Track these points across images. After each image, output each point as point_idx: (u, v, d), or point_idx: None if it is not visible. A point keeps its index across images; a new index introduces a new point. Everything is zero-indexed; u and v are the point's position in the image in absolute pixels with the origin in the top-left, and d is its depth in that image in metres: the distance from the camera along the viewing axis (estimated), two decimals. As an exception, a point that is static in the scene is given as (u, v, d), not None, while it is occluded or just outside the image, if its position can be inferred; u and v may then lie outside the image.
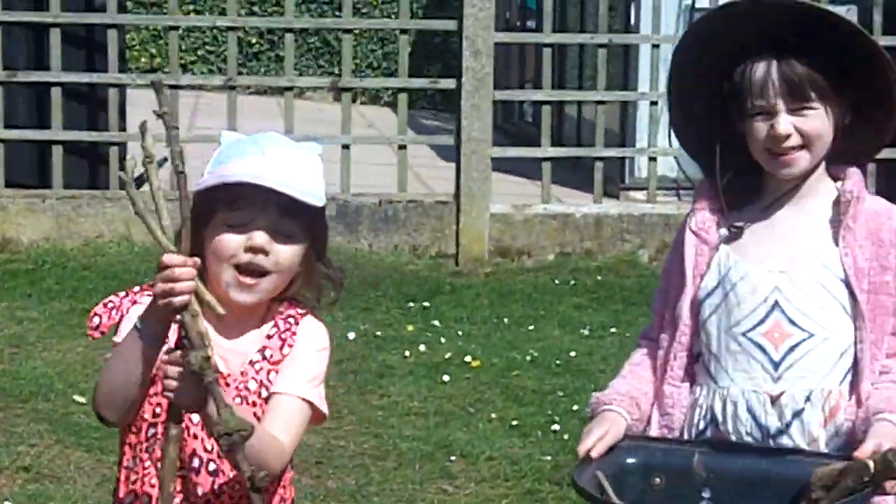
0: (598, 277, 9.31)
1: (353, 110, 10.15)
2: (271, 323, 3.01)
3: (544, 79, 10.09)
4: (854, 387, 3.01)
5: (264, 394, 2.94)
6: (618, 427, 3.03)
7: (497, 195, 9.75)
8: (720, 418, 3.06)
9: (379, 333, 7.92)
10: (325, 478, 5.93)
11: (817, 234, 3.05)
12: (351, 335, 7.81)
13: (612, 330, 8.11)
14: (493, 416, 6.70)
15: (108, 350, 7.47)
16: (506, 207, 9.71)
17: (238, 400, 2.91)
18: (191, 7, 20.03)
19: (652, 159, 10.13)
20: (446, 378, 7.20)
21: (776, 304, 3.01)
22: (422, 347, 7.67)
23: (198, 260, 2.70)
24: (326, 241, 3.06)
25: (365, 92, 17.57)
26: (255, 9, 20.15)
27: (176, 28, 9.87)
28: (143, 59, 20.70)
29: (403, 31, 10.05)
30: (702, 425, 3.10)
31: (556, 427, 6.52)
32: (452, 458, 6.16)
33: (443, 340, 7.82)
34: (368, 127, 13.66)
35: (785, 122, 2.93)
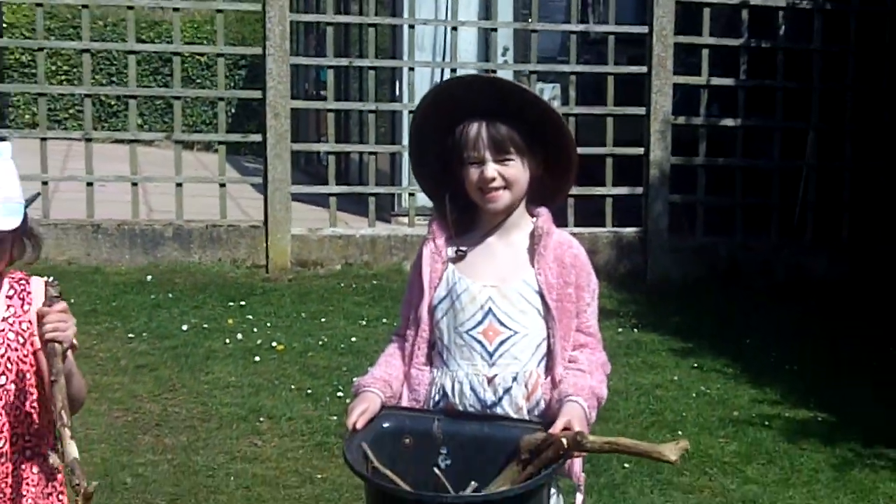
0: (374, 282, 9.25)
1: (192, 156, 10.03)
2: (8, 287, 2.85)
3: (329, 135, 10.08)
4: (549, 370, 3.06)
5: (22, 340, 2.80)
6: (375, 403, 3.03)
7: (297, 220, 9.62)
8: (450, 394, 3.08)
9: (206, 325, 7.73)
10: (162, 437, 5.80)
11: (519, 258, 3.08)
12: (184, 326, 7.65)
13: (384, 321, 8.04)
14: (293, 387, 6.62)
15: None
16: (303, 230, 9.60)
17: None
18: (63, 77, 19.58)
19: (412, 194, 10.13)
20: (257, 359, 7.09)
21: (490, 310, 3.04)
22: (239, 336, 7.52)
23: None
24: (27, 222, 2.85)
25: (199, 142, 17.27)
26: (114, 78, 19.79)
27: (44, 95, 9.53)
28: (26, 116, 20.11)
29: (220, 99, 9.81)
30: (437, 398, 3.13)
31: (340, 394, 6.48)
32: (261, 419, 6.08)
33: (255, 330, 7.68)
34: (203, 169, 13.36)
35: (491, 169, 2.97)
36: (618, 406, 6.41)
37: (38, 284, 2.86)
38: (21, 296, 2.85)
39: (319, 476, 5.34)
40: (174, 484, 5.17)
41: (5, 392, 2.78)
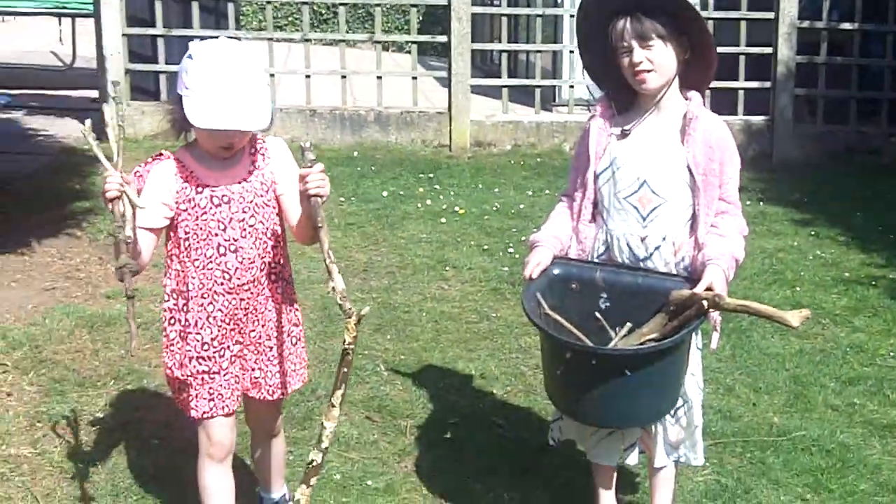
0: (538, 160, 9.21)
1: (387, 56, 9.99)
2: (249, 145, 2.91)
3: (502, 36, 9.99)
4: (693, 232, 3.05)
5: (265, 188, 2.89)
6: (547, 257, 3.10)
7: (474, 109, 9.61)
8: (610, 247, 3.10)
9: (401, 193, 7.82)
10: (368, 279, 5.92)
11: (672, 136, 3.05)
12: (384, 193, 7.74)
13: (546, 192, 8.02)
14: (472, 243, 6.66)
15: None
16: (480, 116, 9.59)
17: (242, 201, 2.87)
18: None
19: (571, 87, 10.01)
20: (443, 220, 7.14)
21: (645, 181, 3.03)
22: (428, 201, 7.58)
23: (128, 177, 2.69)
24: None
25: (394, 44, 17.25)
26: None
27: (270, 2, 9.64)
28: (253, 22, 20.39)
29: (413, 6, 9.79)
30: (600, 251, 3.15)
31: (511, 250, 6.49)
32: (447, 268, 6.14)
33: (441, 197, 7.74)
34: (396, 66, 13.41)
35: (638, 54, 2.96)
36: (745, 266, 6.28)
37: (272, 142, 2.97)
38: (261, 153, 2.93)
39: (494, 315, 5.42)
40: (378, 317, 5.30)
41: (254, 230, 2.90)
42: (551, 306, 3.04)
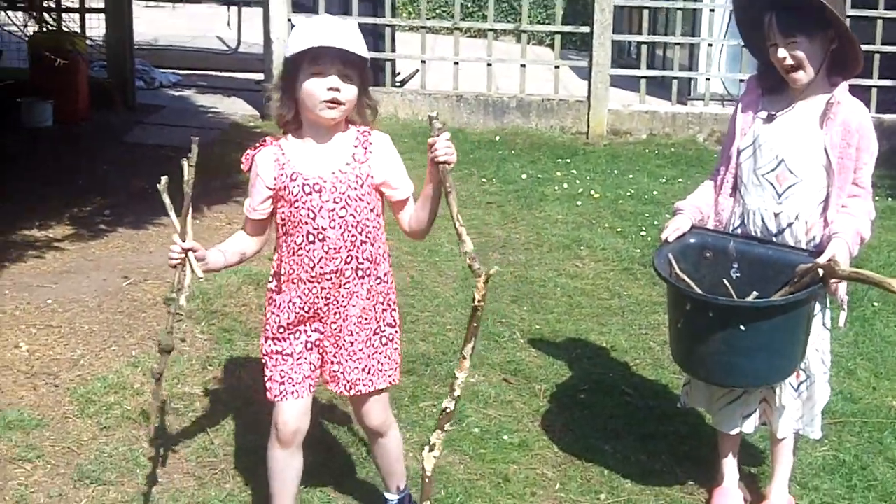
0: (672, 149, 9.14)
1: (529, 49, 10.05)
2: (354, 137, 2.80)
3: (643, 28, 9.92)
4: (825, 212, 3.06)
5: (360, 182, 2.77)
6: (686, 224, 3.18)
7: (613, 99, 9.58)
8: (745, 220, 3.14)
9: (539, 175, 7.88)
10: (507, 255, 6.01)
11: (813, 121, 3.06)
12: (524, 175, 7.82)
13: (679, 180, 7.97)
14: (606, 225, 6.69)
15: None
16: (617, 105, 9.58)
17: (334, 191, 2.76)
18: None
19: (707, 80, 9.91)
20: (579, 203, 7.18)
21: (783, 160, 3.06)
22: (564, 185, 7.63)
23: (192, 244, 2.72)
24: (369, 82, 2.80)
25: (534, 36, 17.26)
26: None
27: (426, -8, 9.84)
28: (404, 14, 20.64)
29: (561, -2, 9.81)
30: (736, 223, 3.20)
31: (643, 233, 6.50)
32: (581, 247, 6.19)
33: (577, 181, 7.77)
34: (535, 57, 13.44)
35: (781, 51, 3.00)
36: (871, 258, 6.20)
37: (378, 136, 2.84)
38: (364, 145, 2.80)
39: (625, 293, 5.46)
40: (515, 289, 5.41)
41: (344, 221, 2.78)
42: (682, 270, 3.11)
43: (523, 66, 9.57)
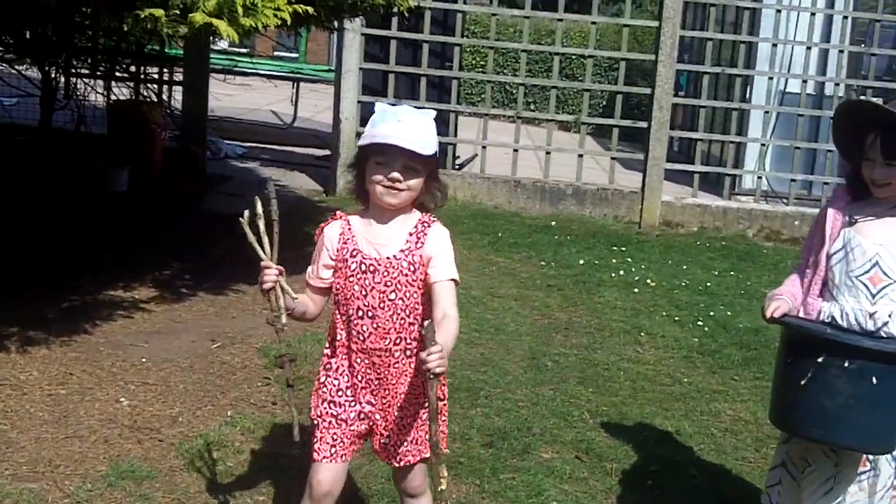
0: (723, 243, 9.30)
1: (572, 136, 10.29)
2: (413, 225, 2.91)
3: (699, 125, 10.16)
4: None
5: (413, 268, 2.86)
6: (786, 306, 3.26)
7: (666, 192, 9.80)
8: (839, 319, 3.25)
9: (596, 262, 8.04)
10: (570, 337, 6.15)
11: None
12: (581, 261, 8.00)
13: (731, 273, 8.13)
14: (664, 313, 6.83)
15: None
16: (671, 198, 9.79)
17: (386, 274, 2.87)
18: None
19: (759, 178, 10.13)
20: (636, 290, 7.33)
21: (877, 262, 3.19)
22: (621, 272, 7.78)
23: (281, 268, 2.86)
24: (437, 169, 2.96)
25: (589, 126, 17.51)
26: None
27: (490, 82, 10.16)
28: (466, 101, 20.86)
29: (619, 93, 10.13)
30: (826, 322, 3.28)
31: (700, 322, 6.65)
32: (641, 334, 6.34)
33: (633, 269, 7.92)
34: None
35: (878, 172, 3.15)
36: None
37: (436, 229, 2.93)
38: (419, 235, 2.90)
39: (686, 380, 5.59)
40: (580, 371, 5.55)
41: (393, 304, 2.89)
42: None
43: (581, 155, 9.83)
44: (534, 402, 5.02)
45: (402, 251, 2.89)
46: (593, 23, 9.86)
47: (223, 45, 15.77)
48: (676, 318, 6.73)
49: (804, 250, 3.44)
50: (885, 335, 3.16)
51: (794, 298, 3.32)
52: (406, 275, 2.88)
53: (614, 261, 8.16)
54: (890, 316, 3.18)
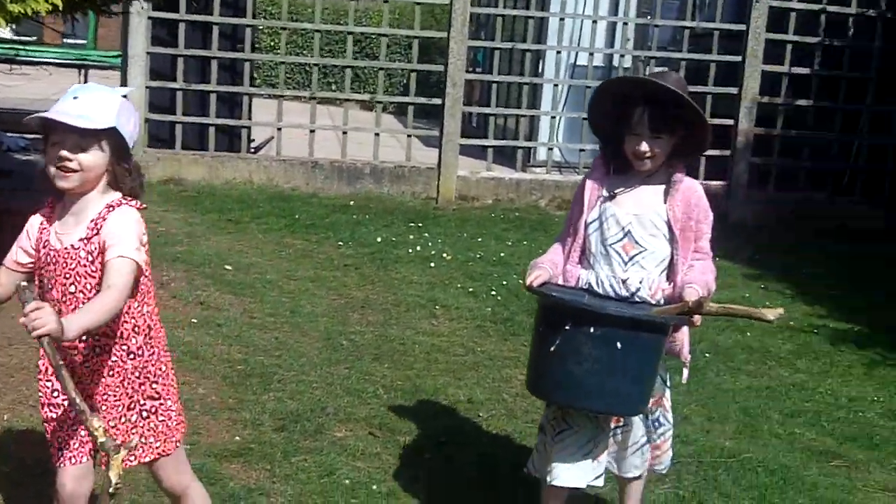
0: (517, 214, 9.51)
1: (369, 116, 10.29)
2: (97, 210, 2.73)
3: (492, 101, 10.35)
4: (670, 278, 3.33)
5: (90, 258, 2.69)
6: (546, 274, 3.35)
7: (461, 166, 9.93)
8: (595, 286, 3.37)
9: (394, 239, 8.09)
10: (366, 315, 6.19)
11: (656, 197, 3.34)
12: (378, 238, 8.03)
13: (524, 243, 8.34)
14: (458, 286, 6.96)
15: (240, 242, 7.57)
16: (466, 172, 9.91)
17: (65, 266, 2.71)
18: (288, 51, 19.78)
19: (550, 149, 10.42)
20: (432, 265, 7.43)
21: (629, 232, 3.32)
22: (418, 248, 7.86)
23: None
24: (127, 149, 2.75)
25: (384, 105, 17.53)
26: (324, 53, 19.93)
27: (283, 63, 10.07)
28: (257, 80, 20.57)
29: (413, 71, 10.20)
30: (584, 288, 3.40)
31: (493, 292, 6.81)
32: (436, 307, 6.45)
33: (430, 244, 8.01)
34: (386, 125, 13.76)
35: (645, 145, 3.25)
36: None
37: (118, 213, 2.74)
38: (99, 221, 2.72)
39: (479, 349, 5.73)
40: (376, 347, 5.60)
41: (74, 298, 2.73)
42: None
43: (377, 134, 9.84)
44: (328, 382, 5.02)
45: (80, 240, 2.72)
46: (385, 1, 9.88)
47: (6, 33, 15.06)
48: (471, 290, 6.86)
49: (567, 220, 3.53)
50: (638, 300, 3.31)
51: (555, 266, 3.41)
52: (84, 265, 2.71)
53: (411, 237, 8.23)
54: (641, 282, 3.33)
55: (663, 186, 3.34)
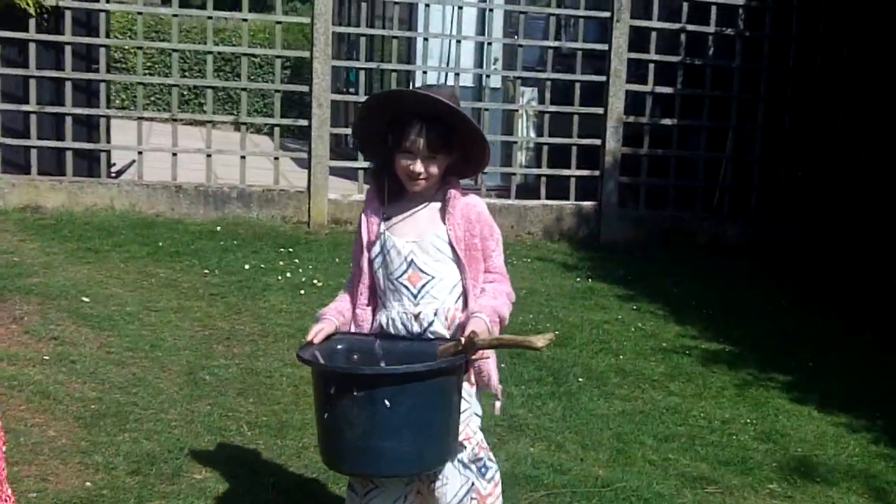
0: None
1: (249, 138, 10.04)
2: None
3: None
4: (465, 305, 3.15)
5: None
6: (331, 326, 3.13)
7: (334, 188, 9.75)
8: (387, 327, 3.17)
9: (263, 265, 7.86)
10: (232, 347, 5.96)
11: (434, 219, 3.15)
12: (247, 266, 7.77)
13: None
14: (329, 313, 6.77)
15: (99, 272, 7.24)
16: (337, 195, 9.72)
17: None
18: (146, 71, 19.35)
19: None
20: (302, 292, 7.22)
21: (412, 261, 3.12)
22: (288, 274, 7.65)
23: None
24: None
25: (252, 126, 17.26)
26: (187, 73, 19.60)
27: (142, 84, 9.75)
28: (117, 101, 20.09)
29: (277, 91, 9.99)
30: (377, 331, 3.20)
31: (365, 320, 6.64)
32: (306, 337, 6.21)
33: (300, 271, 7.81)
34: (255, 147, 13.50)
35: (419, 165, 3.05)
36: (574, 336, 6.63)
37: None
38: None
39: (350, 379, 5.58)
40: (241, 381, 5.37)
41: None
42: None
43: (243, 157, 9.58)
44: (188, 420, 4.78)
45: None
46: (244, 20, 9.65)
47: None
48: (342, 317, 6.66)
49: (353, 260, 3.32)
50: (431, 336, 3.12)
51: (342, 314, 3.21)
52: None
53: (281, 263, 8.01)
54: (435, 314, 3.14)
55: (439, 205, 3.15)
